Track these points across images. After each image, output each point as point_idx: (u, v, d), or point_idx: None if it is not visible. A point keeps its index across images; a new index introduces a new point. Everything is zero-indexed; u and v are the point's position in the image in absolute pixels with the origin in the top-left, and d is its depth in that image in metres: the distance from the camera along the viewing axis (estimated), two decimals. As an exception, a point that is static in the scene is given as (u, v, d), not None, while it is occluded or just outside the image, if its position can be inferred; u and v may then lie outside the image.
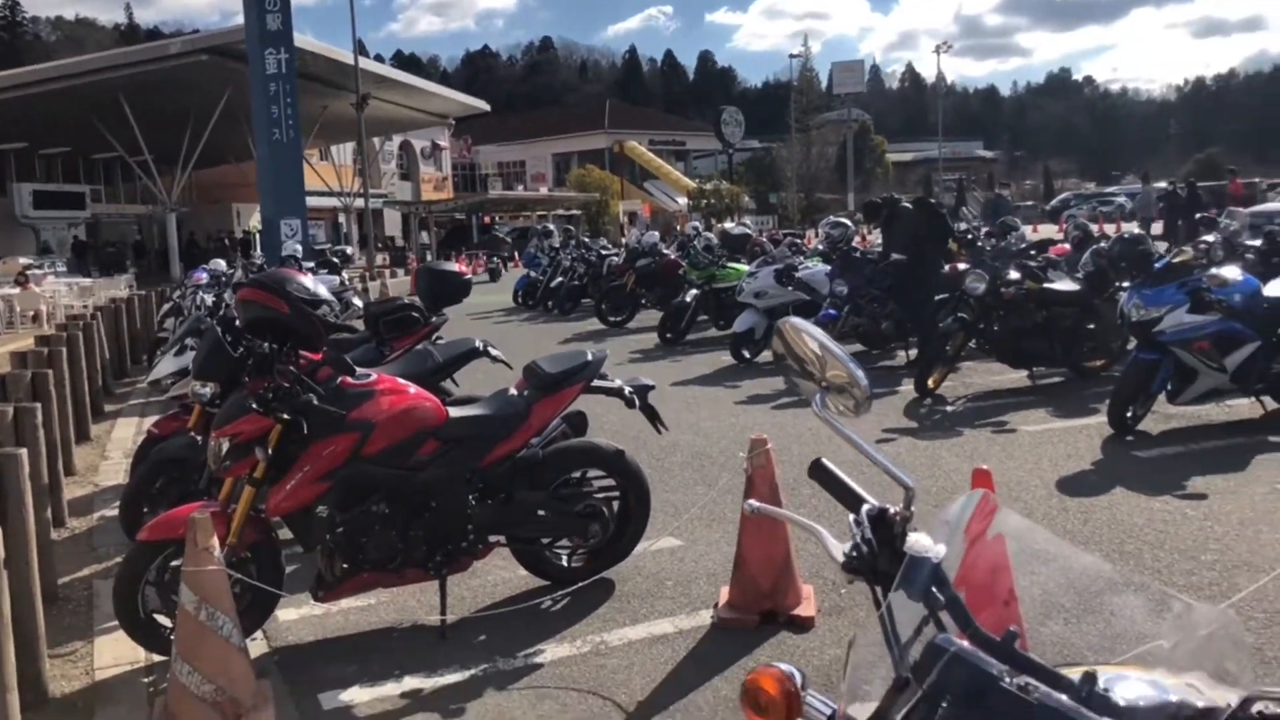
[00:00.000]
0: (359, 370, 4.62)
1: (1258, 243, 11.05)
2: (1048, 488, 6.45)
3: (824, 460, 1.87)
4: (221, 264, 12.36)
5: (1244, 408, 7.98)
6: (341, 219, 45.27)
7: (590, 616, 4.79)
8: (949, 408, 9.15)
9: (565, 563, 5.14)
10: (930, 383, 9.46)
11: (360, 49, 38.62)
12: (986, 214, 21.20)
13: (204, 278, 11.15)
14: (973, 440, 7.84)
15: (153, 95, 29.83)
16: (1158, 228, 23.69)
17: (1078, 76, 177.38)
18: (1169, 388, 7.60)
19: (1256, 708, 1.13)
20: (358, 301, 10.08)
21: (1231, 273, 7.71)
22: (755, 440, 4.71)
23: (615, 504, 5.11)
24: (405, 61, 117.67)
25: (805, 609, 4.60)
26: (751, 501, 2.17)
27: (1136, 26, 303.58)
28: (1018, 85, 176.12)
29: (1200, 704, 1.32)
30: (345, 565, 4.51)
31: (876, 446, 1.87)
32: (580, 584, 4.98)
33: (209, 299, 9.21)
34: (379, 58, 75.76)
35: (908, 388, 9.79)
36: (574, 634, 4.62)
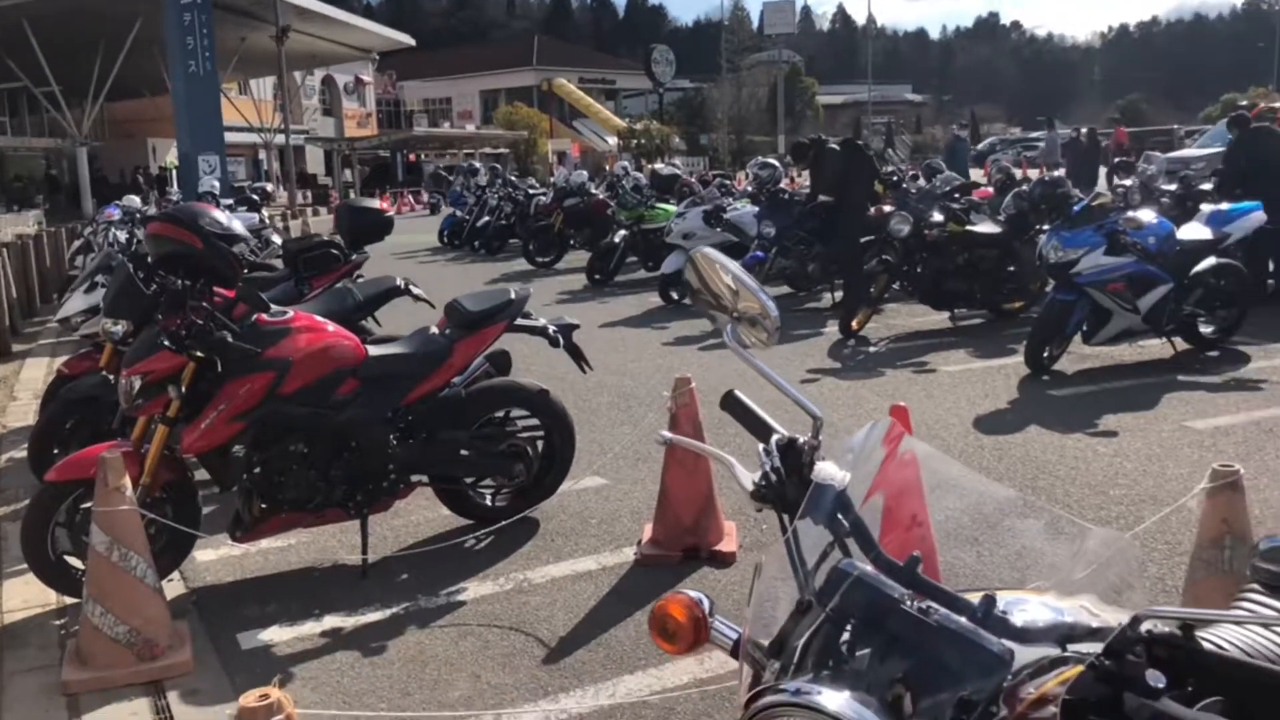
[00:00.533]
0: (275, 308, 4.51)
1: (1173, 187, 11.31)
2: (965, 426, 6.58)
3: (736, 391, 1.88)
4: (136, 200, 11.98)
5: (1155, 348, 8.22)
6: (262, 155, 44.02)
7: (514, 555, 4.80)
8: (872, 348, 9.28)
9: (489, 502, 5.14)
10: (854, 324, 9.58)
11: (280, -21, 37.29)
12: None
13: (116, 214, 10.81)
14: (894, 380, 7.97)
15: (60, 23, 28.43)
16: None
17: (1005, 21, 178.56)
18: (1084, 328, 7.79)
19: (1145, 626, 1.17)
20: (277, 239, 9.86)
21: (1147, 216, 7.89)
22: (679, 380, 4.73)
23: (539, 443, 5.10)
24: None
25: (727, 545, 4.66)
26: (664, 432, 2.17)
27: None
28: (947, 29, 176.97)
29: (1094, 624, 1.36)
30: (264, 505, 4.44)
31: (787, 379, 1.87)
32: (504, 523, 4.98)
33: (122, 236, 8.92)
34: (300, -11, 73.29)
35: (832, 329, 9.89)
36: (497, 572, 4.63)
